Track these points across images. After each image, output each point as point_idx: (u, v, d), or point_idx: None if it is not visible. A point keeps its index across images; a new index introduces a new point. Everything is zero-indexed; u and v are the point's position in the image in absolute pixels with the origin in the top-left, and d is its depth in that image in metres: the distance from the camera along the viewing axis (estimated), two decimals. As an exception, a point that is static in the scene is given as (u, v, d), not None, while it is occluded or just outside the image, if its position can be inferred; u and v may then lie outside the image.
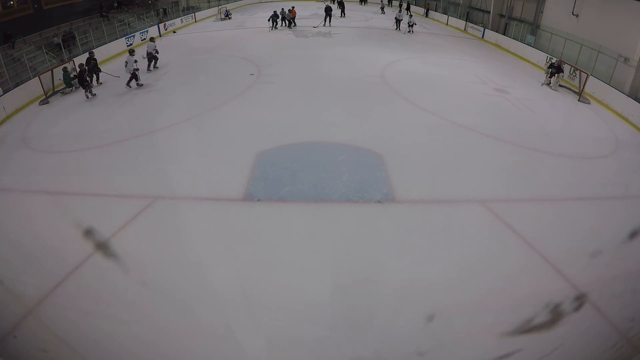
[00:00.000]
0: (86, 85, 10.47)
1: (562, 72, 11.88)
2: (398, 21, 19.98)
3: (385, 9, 26.37)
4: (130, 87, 11.13)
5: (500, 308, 4.31)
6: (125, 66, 10.95)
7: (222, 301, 4.34)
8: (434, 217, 5.85)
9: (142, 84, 11.26)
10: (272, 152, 7.28)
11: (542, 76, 12.60)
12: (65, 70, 11.13)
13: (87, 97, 10.44)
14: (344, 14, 23.47)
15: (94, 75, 11.51)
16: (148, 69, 12.69)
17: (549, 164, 7.37)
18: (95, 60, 11.67)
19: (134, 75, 11.04)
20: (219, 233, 5.39)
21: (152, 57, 12.79)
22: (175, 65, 13.63)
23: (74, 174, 6.87)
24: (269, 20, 19.57)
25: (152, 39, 13.45)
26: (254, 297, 4.37)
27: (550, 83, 11.99)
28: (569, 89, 11.96)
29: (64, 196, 6.28)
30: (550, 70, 11.96)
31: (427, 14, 25.69)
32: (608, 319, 4.14)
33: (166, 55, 15.35)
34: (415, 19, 19.59)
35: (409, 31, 18.84)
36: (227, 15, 23.88)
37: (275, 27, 19.65)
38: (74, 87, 11.15)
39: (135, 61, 10.91)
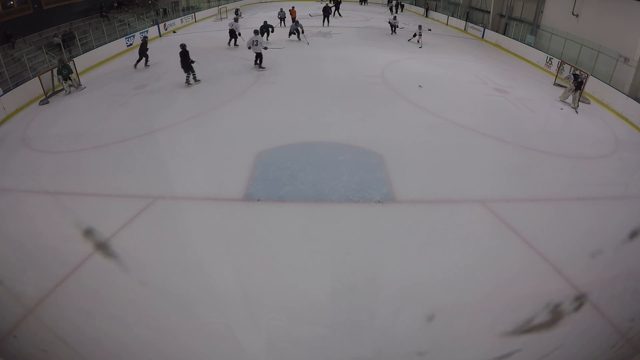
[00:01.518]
0: (190, 69, 11.05)
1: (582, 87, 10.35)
2: (393, 27, 18.41)
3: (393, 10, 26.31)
4: (260, 68, 11.51)
5: (500, 308, 4.31)
6: (255, 45, 11.38)
7: (222, 301, 4.34)
8: (434, 217, 5.85)
9: (265, 68, 11.79)
10: (272, 152, 7.28)
11: (546, 78, 12.45)
12: (63, 64, 10.98)
13: (190, 83, 11.05)
14: (338, 13, 23.22)
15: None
16: (228, 45, 15.29)
17: (549, 164, 7.37)
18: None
19: (259, 57, 11.36)
20: (219, 233, 5.38)
21: (234, 35, 15.18)
22: (175, 65, 13.61)
23: (74, 174, 6.86)
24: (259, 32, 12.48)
25: (236, 18, 16.31)
26: (254, 297, 4.37)
27: (576, 104, 10.28)
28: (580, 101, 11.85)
29: (64, 196, 6.28)
30: (575, 83, 10.26)
31: (426, 14, 25.71)
32: (608, 319, 4.14)
33: (166, 55, 15.36)
34: (423, 27, 16.89)
35: (418, 41, 16.45)
36: (237, 13, 23.99)
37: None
38: (67, 83, 10.92)
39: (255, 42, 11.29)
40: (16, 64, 12.15)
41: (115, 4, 20.20)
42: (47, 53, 12.77)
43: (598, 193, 6.60)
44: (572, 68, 11.56)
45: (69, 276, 4.59)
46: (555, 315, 4.20)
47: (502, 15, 19.28)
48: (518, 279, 4.69)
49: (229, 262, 4.86)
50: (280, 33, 18.27)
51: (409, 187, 6.34)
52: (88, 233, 5.27)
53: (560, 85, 12.09)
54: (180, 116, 8.91)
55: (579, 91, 10.37)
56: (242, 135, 7.98)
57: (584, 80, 10.46)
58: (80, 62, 12.82)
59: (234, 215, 5.77)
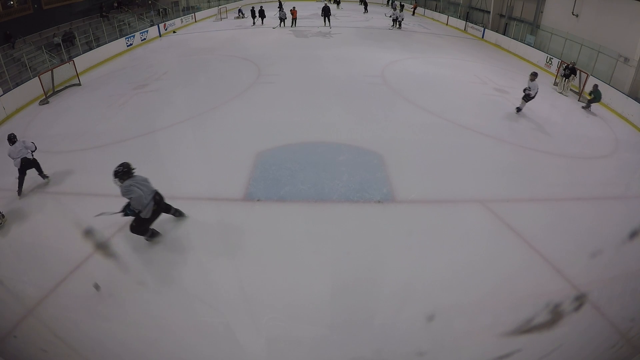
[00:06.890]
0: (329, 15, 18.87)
1: (575, 75, 11.74)
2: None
3: (368, 8, 26.66)
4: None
5: (500, 308, 4.30)
6: None
7: (222, 301, 4.34)
8: (434, 217, 5.84)
9: None
10: (272, 152, 7.28)
11: (546, 78, 12.50)
12: None
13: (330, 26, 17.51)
14: (336, 4, 22.85)
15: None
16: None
17: (549, 164, 7.37)
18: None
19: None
20: (219, 233, 5.39)
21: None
22: (175, 65, 13.65)
23: (74, 173, 6.87)
24: None
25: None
26: (254, 297, 4.37)
27: (565, 88, 11.75)
28: (570, 89, 11.96)
29: (64, 196, 6.28)
30: (565, 72, 11.72)
31: (414, 13, 26.45)
32: (608, 319, 4.14)
33: (166, 55, 15.39)
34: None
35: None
36: (241, 13, 24.05)
37: None
38: None
39: None
40: (16, 64, 12.17)
41: (115, 4, 20.20)
42: (47, 53, 12.78)
43: (598, 193, 6.59)
44: (566, 64, 12.05)
45: (69, 276, 4.60)
46: (555, 315, 4.20)
47: (502, 15, 19.28)
48: (518, 279, 4.69)
49: (229, 262, 4.86)
50: (283, 32, 18.23)
51: (409, 187, 6.34)
52: (88, 233, 5.27)
53: (571, 90, 12.10)
54: (180, 116, 8.91)
55: (568, 79, 11.51)
56: (242, 135, 7.98)
57: (575, 68, 11.39)
58: (80, 62, 12.84)
59: (234, 215, 5.76)
